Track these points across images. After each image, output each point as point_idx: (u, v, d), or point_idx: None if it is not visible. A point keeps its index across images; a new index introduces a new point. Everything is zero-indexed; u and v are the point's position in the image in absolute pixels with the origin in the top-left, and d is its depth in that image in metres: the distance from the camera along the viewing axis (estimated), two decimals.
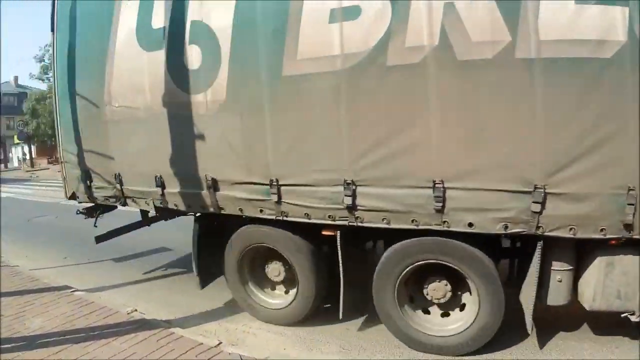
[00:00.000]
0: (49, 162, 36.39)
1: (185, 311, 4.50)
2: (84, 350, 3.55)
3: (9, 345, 3.70)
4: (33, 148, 37.49)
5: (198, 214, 4.32)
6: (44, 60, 35.46)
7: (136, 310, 4.34)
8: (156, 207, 4.47)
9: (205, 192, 3.95)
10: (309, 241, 3.81)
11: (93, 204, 5.19)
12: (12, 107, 42.10)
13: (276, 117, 3.51)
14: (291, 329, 4.03)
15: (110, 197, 4.76)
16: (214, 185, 3.88)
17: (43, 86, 36.69)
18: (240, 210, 3.85)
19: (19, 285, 5.21)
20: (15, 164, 41.34)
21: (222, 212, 3.97)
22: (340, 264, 3.58)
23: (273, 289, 4.30)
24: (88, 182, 4.86)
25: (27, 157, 37.73)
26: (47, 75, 35.85)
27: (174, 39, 3.87)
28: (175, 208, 4.35)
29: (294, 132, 3.49)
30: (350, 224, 3.42)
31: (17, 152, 43.28)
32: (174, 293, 5.07)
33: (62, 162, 5.16)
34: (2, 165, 38.15)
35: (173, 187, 4.20)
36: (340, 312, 3.72)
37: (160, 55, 3.96)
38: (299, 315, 4.02)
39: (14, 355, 3.52)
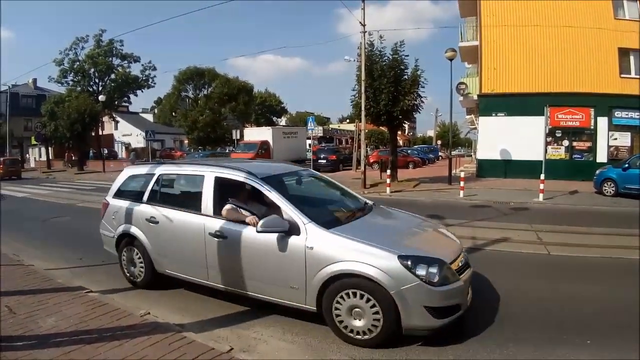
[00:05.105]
0: (64, 165, 37.00)
1: (198, 316, 4.50)
2: (96, 351, 3.55)
3: (21, 343, 3.71)
4: (50, 150, 38.04)
5: None
6: (63, 64, 36.23)
7: (149, 313, 4.35)
8: None
9: None
10: None
11: None
12: (30, 109, 43.02)
13: None
14: (302, 337, 4.00)
15: None
16: None
17: (61, 89, 37.44)
18: None
19: (33, 285, 5.25)
20: (32, 164, 42.04)
21: None
22: None
23: None
24: None
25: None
26: (65, 79, 36.64)
27: None
28: None
29: None
30: None
31: (34, 153, 44.07)
32: (187, 298, 5.08)
33: None
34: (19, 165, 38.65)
35: None
36: None
37: None
38: None
39: (26, 353, 3.54)
